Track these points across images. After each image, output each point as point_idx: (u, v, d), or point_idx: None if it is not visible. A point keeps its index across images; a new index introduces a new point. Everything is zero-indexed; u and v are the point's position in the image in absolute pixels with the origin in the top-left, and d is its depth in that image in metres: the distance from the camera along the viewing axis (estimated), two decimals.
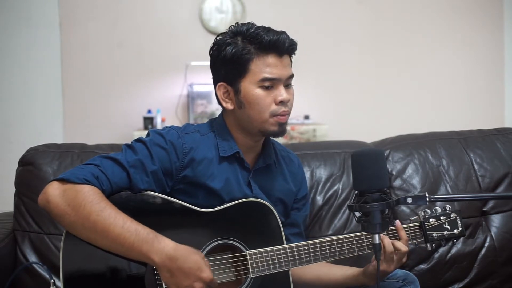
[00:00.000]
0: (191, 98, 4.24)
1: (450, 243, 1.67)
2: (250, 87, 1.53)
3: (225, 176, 1.56)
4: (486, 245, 2.04)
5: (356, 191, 1.28)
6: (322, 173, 2.09)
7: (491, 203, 2.09)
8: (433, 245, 1.63)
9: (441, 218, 1.63)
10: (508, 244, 2.04)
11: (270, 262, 1.50)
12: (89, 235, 1.38)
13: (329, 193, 2.07)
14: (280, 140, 1.81)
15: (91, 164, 1.44)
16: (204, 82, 4.19)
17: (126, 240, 1.34)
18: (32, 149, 2.00)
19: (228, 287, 1.50)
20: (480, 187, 2.09)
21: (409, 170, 2.11)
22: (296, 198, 1.73)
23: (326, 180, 2.08)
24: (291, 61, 1.58)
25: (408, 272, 1.67)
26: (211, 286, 1.38)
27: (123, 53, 4.34)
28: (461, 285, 2.02)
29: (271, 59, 1.52)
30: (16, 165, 1.98)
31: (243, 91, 1.53)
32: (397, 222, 1.59)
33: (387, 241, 1.51)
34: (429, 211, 1.64)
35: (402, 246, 1.52)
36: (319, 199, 2.06)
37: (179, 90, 4.35)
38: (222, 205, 1.53)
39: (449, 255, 2.02)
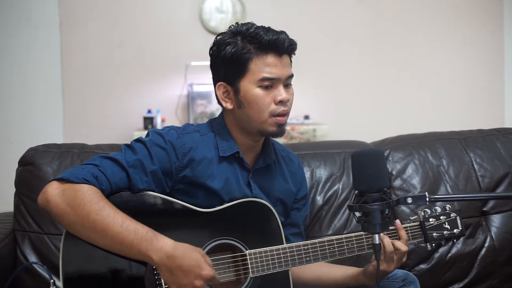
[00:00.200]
0: (191, 98, 4.24)
1: (450, 243, 1.67)
2: (250, 87, 1.53)
3: (224, 176, 1.56)
4: (486, 245, 2.04)
5: (356, 191, 1.28)
6: (322, 173, 2.09)
7: (491, 203, 2.09)
8: (433, 244, 1.63)
9: (441, 217, 1.63)
10: (508, 244, 2.04)
11: (270, 262, 1.50)
12: (88, 235, 1.38)
13: (329, 193, 2.07)
14: (280, 140, 1.80)
15: (90, 164, 1.44)
16: (204, 82, 4.19)
17: (125, 239, 1.34)
18: (32, 149, 2.00)
19: (228, 287, 1.50)
20: (480, 187, 2.09)
21: (409, 170, 2.11)
22: (296, 198, 1.73)
23: (326, 180, 2.08)
24: (290, 61, 1.58)
25: (408, 272, 1.67)
26: (212, 282, 1.38)
27: (123, 53, 4.34)
28: (461, 285, 2.02)
29: (270, 59, 1.52)
30: (16, 165, 1.98)
31: (243, 91, 1.53)
32: (397, 221, 1.59)
33: (387, 240, 1.51)
34: (429, 210, 1.64)
35: (402, 245, 1.52)
36: (319, 199, 2.06)
37: (179, 90, 4.35)
38: (221, 205, 1.53)
39: (449, 255, 2.02)
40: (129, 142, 1.53)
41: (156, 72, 4.39)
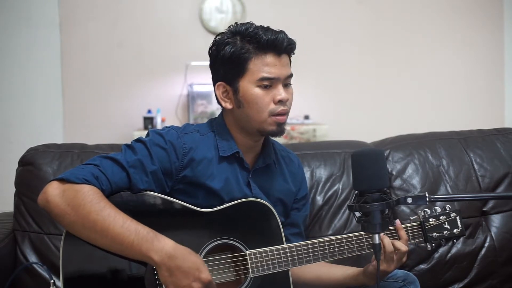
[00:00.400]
0: (191, 98, 4.24)
1: (450, 243, 1.67)
2: (249, 87, 1.53)
3: (224, 176, 1.56)
4: (486, 245, 2.04)
5: (356, 191, 1.28)
6: (322, 173, 2.09)
7: (491, 203, 2.09)
8: (433, 244, 1.63)
9: (441, 217, 1.63)
10: (508, 244, 2.04)
11: (270, 262, 1.50)
12: (89, 235, 1.38)
13: (329, 193, 2.07)
14: (280, 140, 1.81)
15: (90, 164, 1.44)
16: (204, 82, 4.19)
17: (125, 239, 1.34)
18: (32, 149, 2.00)
19: (228, 287, 1.50)
20: (480, 187, 2.09)
21: (409, 170, 2.11)
22: (296, 198, 1.73)
23: (326, 180, 2.08)
24: (290, 61, 1.58)
25: (408, 272, 1.67)
26: (209, 287, 1.38)
27: (123, 53, 4.34)
28: (461, 285, 2.02)
29: (269, 59, 1.52)
30: (16, 165, 1.98)
31: (242, 91, 1.53)
32: (397, 221, 1.59)
33: (387, 240, 1.51)
34: (428, 210, 1.64)
35: (402, 245, 1.52)
36: (319, 199, 2.06)
37: (179, 90, 4.35)
38: (221, 205, 1.53)
39: (449, 255, 2.02)
40: (129, 142, 1.53)
41: (156, 72, 4.39)
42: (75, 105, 4.30)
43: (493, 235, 2.05)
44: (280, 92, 1.53)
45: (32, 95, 4.22)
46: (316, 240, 1.55)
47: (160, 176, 1.49)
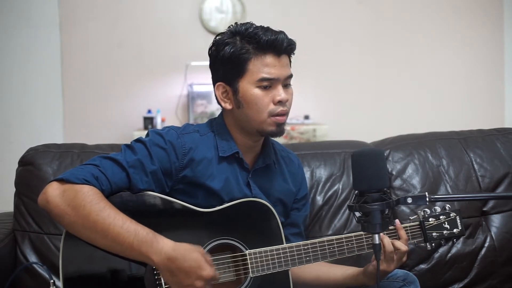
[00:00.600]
0: (191, 98, 4.24)
1: (450, 243, 1.67)
2: (248, 87, 1.53)
3: (224, 176, 1.56)
4: (486, 245, 2.04)
5: (356, 191, 1.28)
6: (322, 173, 2.09)
7: (491, 203, 2.09)
8: (433, 244, 1.63)
9: (441, 217, 1.64)
10: (508, 244, 2.04)
11: (270, 262, 1.50)
12: (89, 235, 1.38)
13: (329, 193, 2.07)
14: (280, 140, 1.80)
15: (90, 164, 1.44)
16: (204, 82, 4.19)
17: (125, 240, 1.34)
18: (32, 149, 2.00)
19: (228, 287, 1.50)
20: (480, 187, 2.09)
21: (409, 170, 2.11)
22: (296, 198, 1.73)
23: (326, 180, 2.08)
24: (290, 61, 1.57)
25: (408, 272, 1.67)
26: (213, 282, 1.38)
27: (123, 53, 4.34)
28: (461, 285, 2.02)
29: (269, 59, 1.52)
30: (16, 165, 1.98)
31: (241, 91, 1.53)
32: (397, 221, 1.59)
33: (386, 240, 1.51)
34: (428, 210, 1.64)
35: (401, 245, 1.52)
36: (319, 199, 2.06)
37: (179, 90, 4.35)
38: (221, 205, 1.53)
39: (449, 255, 2.02)
40: (129, 142, 1.53)
41: (156, 72, 4.39)
42: (75, 105, 4.30)
43: (493, 235, 2.05)
44: (279, 93, 1.53)
45: (32, 95, 4.22)
46: (316, 240, 1.55)
47: (160, 176, 1.49)
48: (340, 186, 2.08)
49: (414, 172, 2.10)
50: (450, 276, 2.02)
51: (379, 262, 1.29)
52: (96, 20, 4.31)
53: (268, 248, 1.51)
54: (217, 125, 1.62)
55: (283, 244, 1.54)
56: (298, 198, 1.74)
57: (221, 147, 1.58)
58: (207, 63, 1.61)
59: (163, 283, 1.42)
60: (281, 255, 1.51)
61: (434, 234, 1.62)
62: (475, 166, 2.12)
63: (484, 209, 2.09)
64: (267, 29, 1.54)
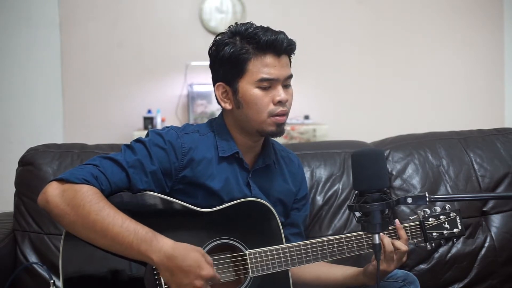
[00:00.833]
0: (191, 98, 4.24)
1: (450, 243, 1.67)
2: (248, 87, 1.53)
3: (224, 176, 1.56)
4: (486, 245, 2.04)
5: (356, 191, 1.28)
6: (322, 173, 2.09)
7: (491, 203, 2.09)
8: (433, 244, 1.63)
9: (441, 217, 1.64)
10: (508, 244, 2.04)
11: (270, 262, 1.50)
12: (88, 235, 1.38)
13: (329, 193, 2.07)
14: (280, 140, 1.80)
15: (90, 164, 1.44)
16: (204, 82, 4.19)
17: (125, 239, 1.34)
18: (32, 149, 2.00)
19: (227, 287, 1.50)
20: (480, 187, 2.09)
21: (409, 170, 2.11)
22: (296, 198, 1.73)
23: (326, 180, 2.08)
24: (290, 61, 1.57)
25: (408, 272, 1.67)
26: (212, 282, 1.38)
27: (123, 53, 4.34)
28: (461, 285, 2.02)
29: (269, 59, 1.51)
30: (16, 165, 1.98)
31: (241, 91, 1.53)
32: (397, 221, 1.59)
33: (386, 240, 1.51)
34: (428, 210, 1.64)
35: (401, 245, 1.52)
36: (319, 199, 2.06)
37: (179, 90, 4.35)
38: (221, 205, 1.53)
39: (449, 255, 2.02)
40: (129, 142, 1.53)
41: (156, 72, 4.39)
42: (75, 105, 4.30)
43: (493, 235, 2.05)
44: (279, 93, 1.53)
45: (32, 95, 4.22)
46: (316, 240, 1.55)
47: (160, 176, 1.49)
48: (340, 186, 2.08)
49: (414, 172, 2.10)
50: (450, 276, 2.02)
51: (379, 262, 1.29)
52: (96, 20, 4.31)
53: (268, 248, 1.51)
54: (217, 125, 1.62)
55: (283, 244, 1.54)
56: (298, 198, 1.73)
57: (221, 147, 1.58)
58: (207, 63, 1.61)
59: (163, 283, 1.42)
60: (281, 255, 1.51)
61: (434, 234, 1.62)
62: (475, 166, 2.12)
63: (484, 209, 2.09)
64: (267, 29, 1.53)
